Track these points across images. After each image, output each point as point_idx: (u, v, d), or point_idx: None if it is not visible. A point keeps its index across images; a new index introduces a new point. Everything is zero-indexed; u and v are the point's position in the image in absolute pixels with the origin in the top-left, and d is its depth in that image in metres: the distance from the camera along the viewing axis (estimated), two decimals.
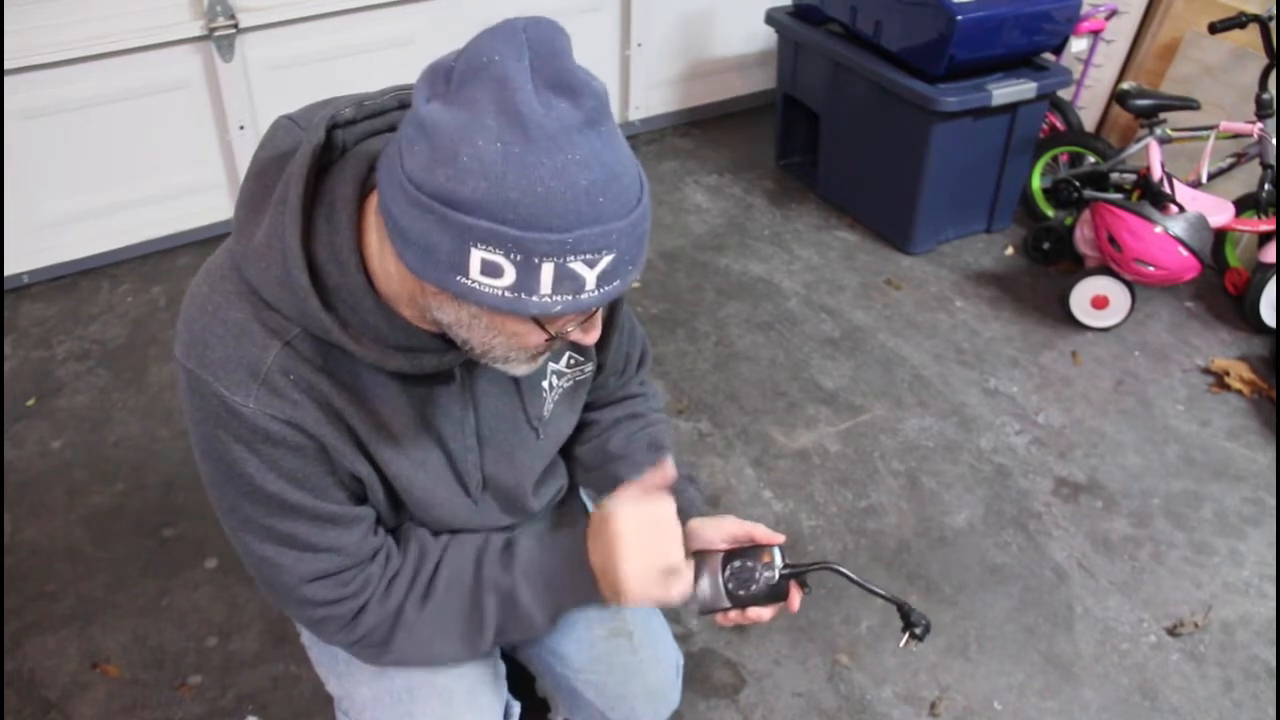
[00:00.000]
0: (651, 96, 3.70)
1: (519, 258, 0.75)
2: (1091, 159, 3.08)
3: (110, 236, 2.92)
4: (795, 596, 1.08)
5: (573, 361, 1.13)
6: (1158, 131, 2.76)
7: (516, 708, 1.28)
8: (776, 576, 1.06)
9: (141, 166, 2.87)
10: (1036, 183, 3.26)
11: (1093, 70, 3.36)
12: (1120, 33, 3.36)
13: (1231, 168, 2.83)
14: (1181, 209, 2.62)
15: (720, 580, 1.07)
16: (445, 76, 0.76)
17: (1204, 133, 2.77)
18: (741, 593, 1.06)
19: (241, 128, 2.90)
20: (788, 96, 3.38)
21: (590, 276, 0.77)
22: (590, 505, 1.39)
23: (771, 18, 3.28)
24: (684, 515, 1.12)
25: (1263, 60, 2.75)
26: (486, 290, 0.77)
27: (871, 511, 2.21)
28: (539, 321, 0.83)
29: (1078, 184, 2.89)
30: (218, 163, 2.98)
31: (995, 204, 3.15)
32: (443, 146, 0.73)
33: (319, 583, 1.00)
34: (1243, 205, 2.78)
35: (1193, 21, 3.16)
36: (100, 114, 2.73)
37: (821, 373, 2.61)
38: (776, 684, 1.85)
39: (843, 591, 2.00)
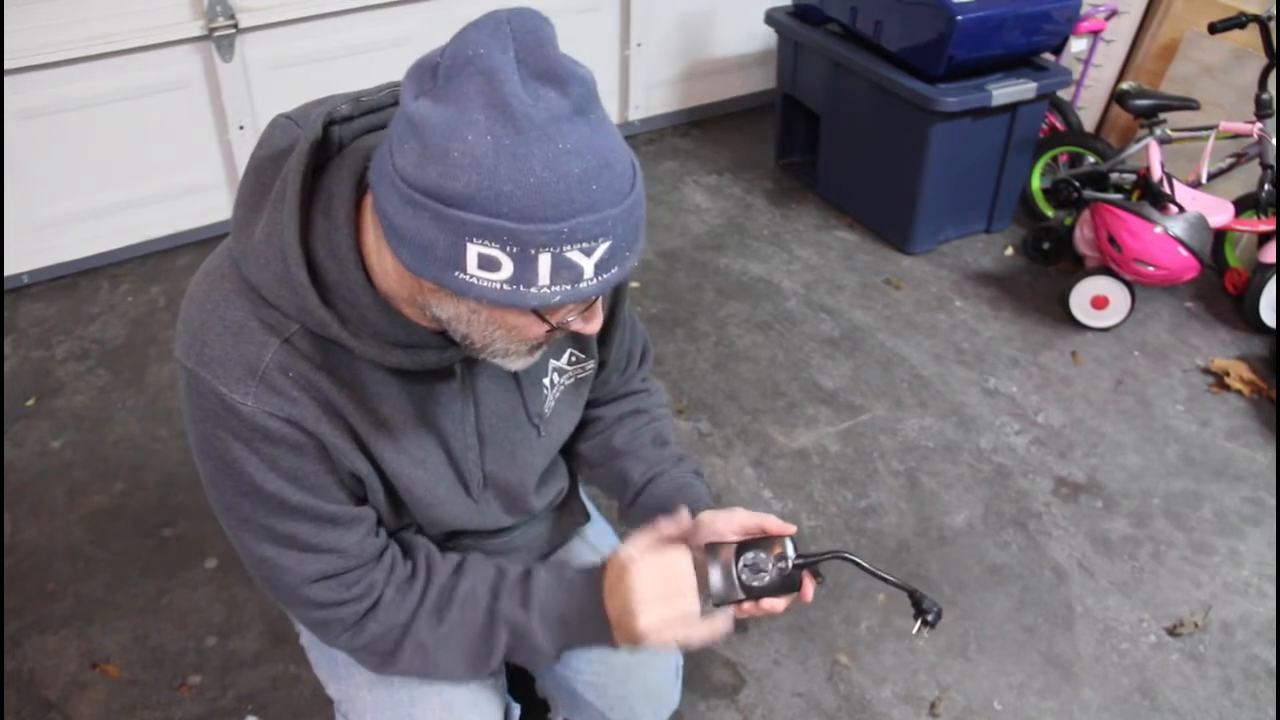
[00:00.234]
0: (651, 96, 3.70)
1: (515, 250, 0.74)
2: (1091, 159, 3.08)
3: (110, 236, 2.93)
4: (809, 586, 1.08)
5: (574, 359, 1.13)
6: (1157, 131, 2.76)
7: (517, 709, 1.27)
8: (790, 567, 1.06)
9: (141, 166, 2.87)
10: (1036, 183, 3.26)
11: (1092, 70, 3.36)
12: (1120, 33, 3.36)
13: (1231, 168, 2.83)
14: (1181, 209, 2.62)
15: (734, 572, 1.07)
16: (432, 72, 0.76)
17: (1204, 133, 2.77)
18: (755, 584, 1.06)
19: (241, 128, 2.90)
20: (787, 96, 3.38)
21: (588, 265, 0.77)
22: (591, 506, 1.39)
23: (771, 18, 3.28)
24: (694, 508, 1.12)
25: (1262, 60, 2.75)
26: (485, 284, 0.77)
27: (871, 511, 2.21)
28: (539, 313, 0.82)
29: (1077, 184, 2.89)
30: (217, 163, 2.98)
31: (995, 204, 3.15)
32: (433, 143, 0.73)
33: (321, 584, 1.00)
34: (1242, 205, 2.78)
35: (1192, 21, 3.16)
36: (100, 114, 2.73)
37: (821, 372, 2.61)
38: (776, 684, 1.85)
39: (843, 591, 2.01)
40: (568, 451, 1.29)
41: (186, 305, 0.92)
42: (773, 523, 1.09)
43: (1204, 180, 2.80)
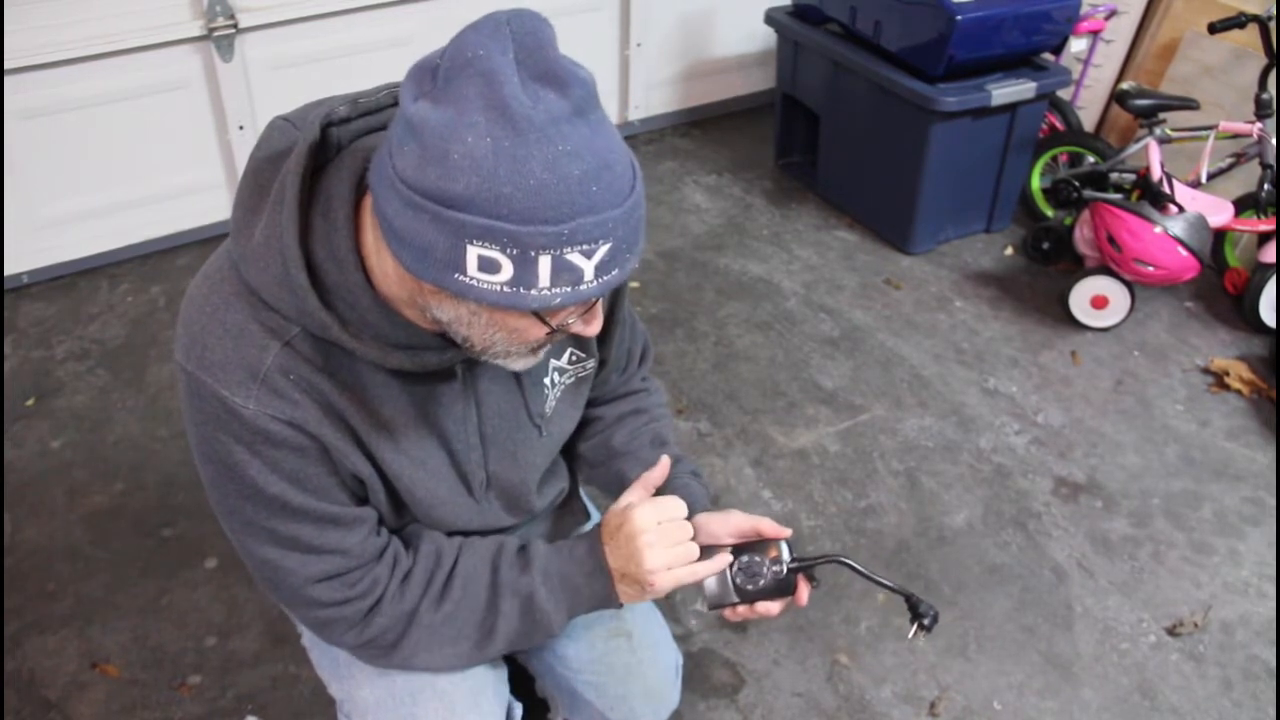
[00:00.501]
0: (651, 96, 3.70)
1: (515, 252, 0.74)
2: (1091, 159, 3.08)
3: (110, 236, 2.93)
4: (803, 590, 1.08)
5: (574, 358, 1.13)
6: (1157, 131, 2.76)
7: (518, 709, 1.28)
8: (784, 571, 1.06)
9: (141, 166, 2.87)
10: (1036, 183, 3.26)
11: (1092, 70, 3.36)
12: (1120, 33, 3.36)
13: (1231, 168, 2.83)
14: (1181, 209, 2.62)
15: (728, 575, 1.07)
16: (431, 74, 0.76)
17: (1203, 133, 2.77)
18: (750, 588, 1.06)
19: (241, 128, 2.90)
20: (787, 96, 3.38)
21: (588, 267, 0.77)
22: (591, 506, 1.39)
23: (771, 18, 3.28)
24: (690, 510, 1.13)
25: (1262, 60, 2.75)
26: (485, 287, 0.77)
27: (871, 511, 2.21)
28: (539, 315, 0.82)
29: (1077, 184, 2.89)
30: (217, 163, 2.98)
31: (995, 204, 3.15)
32: (432, 145, 0.73)
33: (325, 584, 1.00)
34: (1242, 205, 2.78)
35: (1192, 21, 3.16)
36: (100, 114, 2.73)
37: (821, 372, 2.61)
38: (776, 684, 1.85)
39: (843, 591, 2.01)
40: (568, 451, 1.29)
41: (186, 308, 0.92)
42: (768, 526, 1.09)
43: (1204, 180, 2.80)
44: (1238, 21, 2.70)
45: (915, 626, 1.05)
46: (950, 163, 2.93)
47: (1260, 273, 2.73)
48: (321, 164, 0.89)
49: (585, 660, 1.26)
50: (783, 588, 1.07)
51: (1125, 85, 2.82)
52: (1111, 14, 3.25)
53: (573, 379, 1.14)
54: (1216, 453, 2.40)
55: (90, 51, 2.61)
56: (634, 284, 2.91)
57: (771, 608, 1.08)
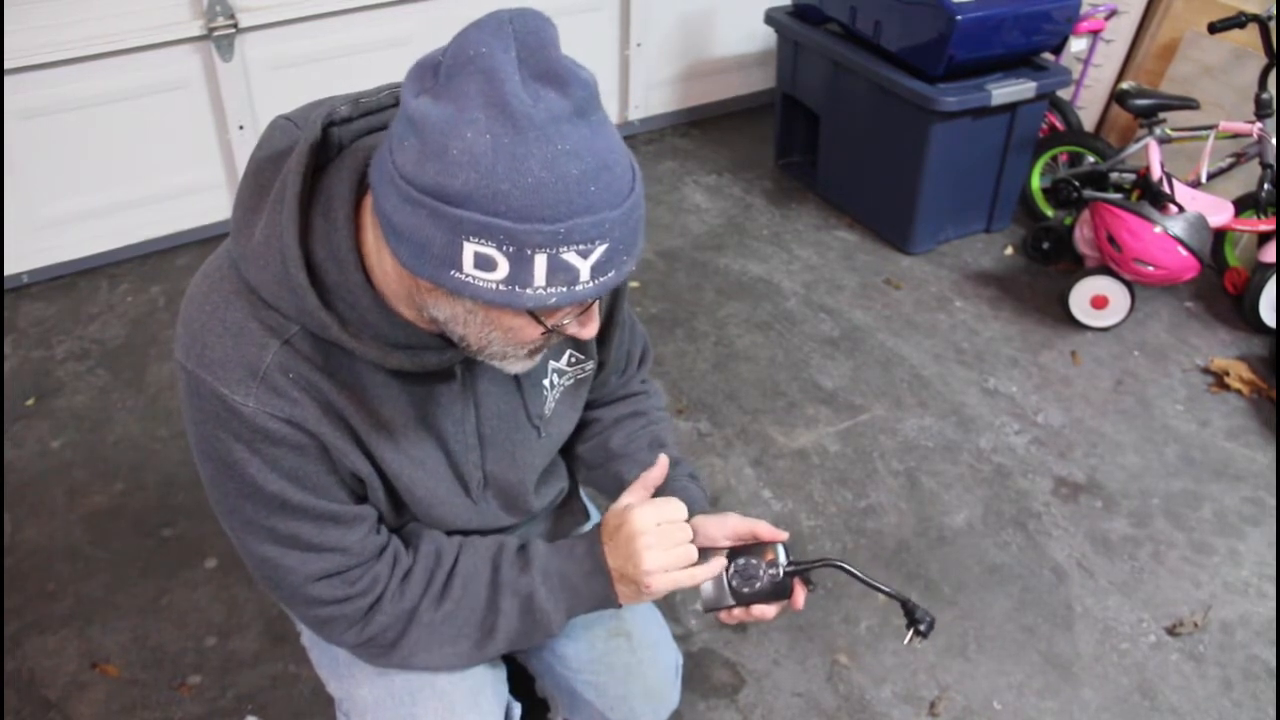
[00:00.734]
0: (651, 96, 3.70)
1: (511, 250, 0.74)
2: (1091, 159, 3.08)
3: (110, 236, 2.93)
4: (800, 594, 1.08)
5: (574, 360, 1.13)
6: (1157, 131, 2.76)
7: (518, 708, 1.27)
8: (781, 574, 1.06)
9: (141, 166, 2.87)
10: (1036, 182, 3.26)
11: (1092, 70, 3.36)
12: (1120, 33, 3.36)
13: (1231, 168, 2.83)
14: (1181, 209, 2.62)
15: (724, 578, 1.07)
16: (433, 71, 0.76)
17: (1203, 133, 2.77)
18: (746, 590, 1.06)
19: (241, 128, 2.90)
20: (787, 96, 3.38)
21: (584, 267, 0.77)
22: (591, 506, 1.39)
23: (771, 18, 3.28)
24: (688, 513, 1.13)
25: (1262, 60, 2.75)
26: (480, 284, 0.76)
27: (871, 511, 2.21)
28: (534, 315, 0.82)
29: (1077, 184, 2.89)
30: (217, 162, 2.98)
31: (995, 204, 3.15)
32: (432, 141, 0.73)
33: (324, 582, 1.00)
34: (1242, 205, 2.78)
35: (1192, 21, 3.17)
36: (100, 114, 2.73)
37: (821, 372, 2.61)
38: (776, 684, 1.85)
39: (842, 591, 2.00)
40: (567, 452, 1.29)
41: (186, 307, 0.92)
42: (765, 529, 1.09)
43: (1204, 180, 2.80)
44: (1238, 21, 2.70)
45: (911, 633, 1.05)
46: (950, 163, 2.93)
47: (1260, 273, 2.73)
48: (322, 164, 0.89)
49: (585, 660, 1.26)
50: (779, 591, 1.07)
51: (1125, 85, 2.82)
52: (1111, 14, 3.25)
53: (572, 381, 1.14)
54: (1216, 453, 2.40)
55: (90, 51, 2.61)
56: (634, 284, 2.91)
57: (767, 611, 1.08)
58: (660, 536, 1.02)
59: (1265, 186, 2.72)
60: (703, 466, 2.30)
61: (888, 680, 1.86)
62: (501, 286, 0.76)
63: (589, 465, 1.28)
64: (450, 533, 1.14)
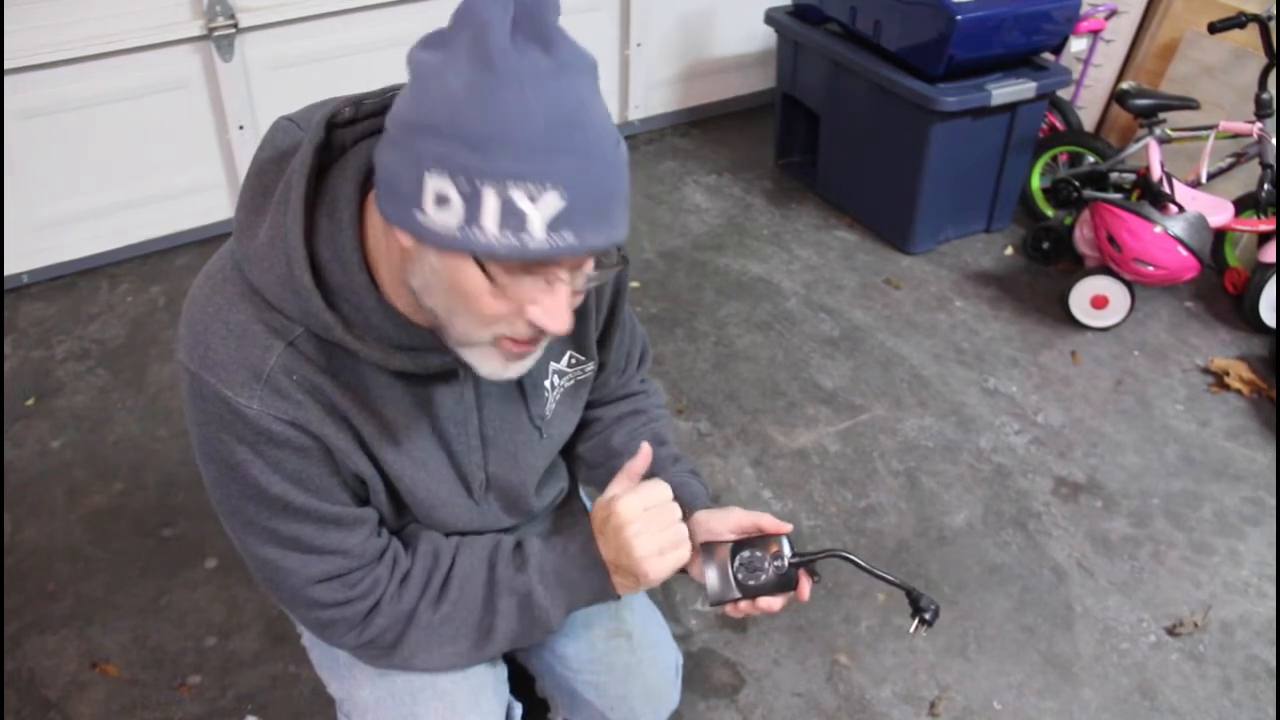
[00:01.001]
0: (651, 96, 3.70)
1: (464, 182, 0.74)
2: (1091, 159, 3.08)
3: (110, 236, 2.92)
4: (805, 585, 1.08)
5: (574, 361, 1.13)
6: (1157, 131, 2.76)
7: (518, 709, 1.28)
8: (786, 565, 1.06)
9: (141, 166, 2.87)
10: (1036, 182, 3.26)
11: (1092, 70, 3.36)
12: (1120, 32, 3.36)
13: (1231, 168, 2.83)
14: (1181, 209, 2.63)
15: (729, 571, 1.07)
16: (438, 32, 0.79)
17: (1203, 133, 2.77)
18: (751, 583, 1.06)
19: (241, 128, 2.90)
20: (787, 96, 3.38)
21: (535, 217, 0.75)
22: (590, 506, 1.39)
23: (771, 17, 3.28)
24: (689, 508, 1.12)
25: (1262, 60, 2.76)
26: (438, 227, 0.76)
27: (871, 511, 2.21)
28: (486, 272, 0.79)
29: (1077, 184, 2.89)
30: (217, 163, 2.98)
31: (995, 204, 3.15)
32: (417, 83, 0.77)
33: (325, 584, 1.00)
34: (1242, 205, 2.78)
35: (1192, 21, 3.17)
36: (100, 114, 2.73)
37: (821, 372, 2.61)
38: (776, 684, 1.85)
39: (843, 590, 2.01)
40: (567, 452, 1.29)
41: (189, 308, 0.92)
42: (768, 521, 1.09)
43: (1204, 180, 2.80)
44: (1238, 21, 2.70)
45: (916, 621, 1.05)
46: (950, 163, 2.93)
47: (1260, 272, 2.73)
48: (325, 165, 0.89)
49: (585, 660, 1.26)
50: (784, 583, 1.07)
51: (1125, 85, 2.82)
52: (1111, 14, 3.25)
53: (572, 382, 1.14)
54: (1216, 453, 2.40)
55: (90, 51, 2.61)
56: (634, 284, 2.91)
57: (773, 603, 1.08)
58: (648, 522, 1.02)
59: (1265, 186, 2.72)
60: (703, 466, 2.31)
61: (888, 680, 1.86)
62: (456, 232, 0.76)
63: (589, 465, 1.28)
64: (450, 534, 1.14)
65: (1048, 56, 2.99)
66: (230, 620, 1.92)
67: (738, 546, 1.08)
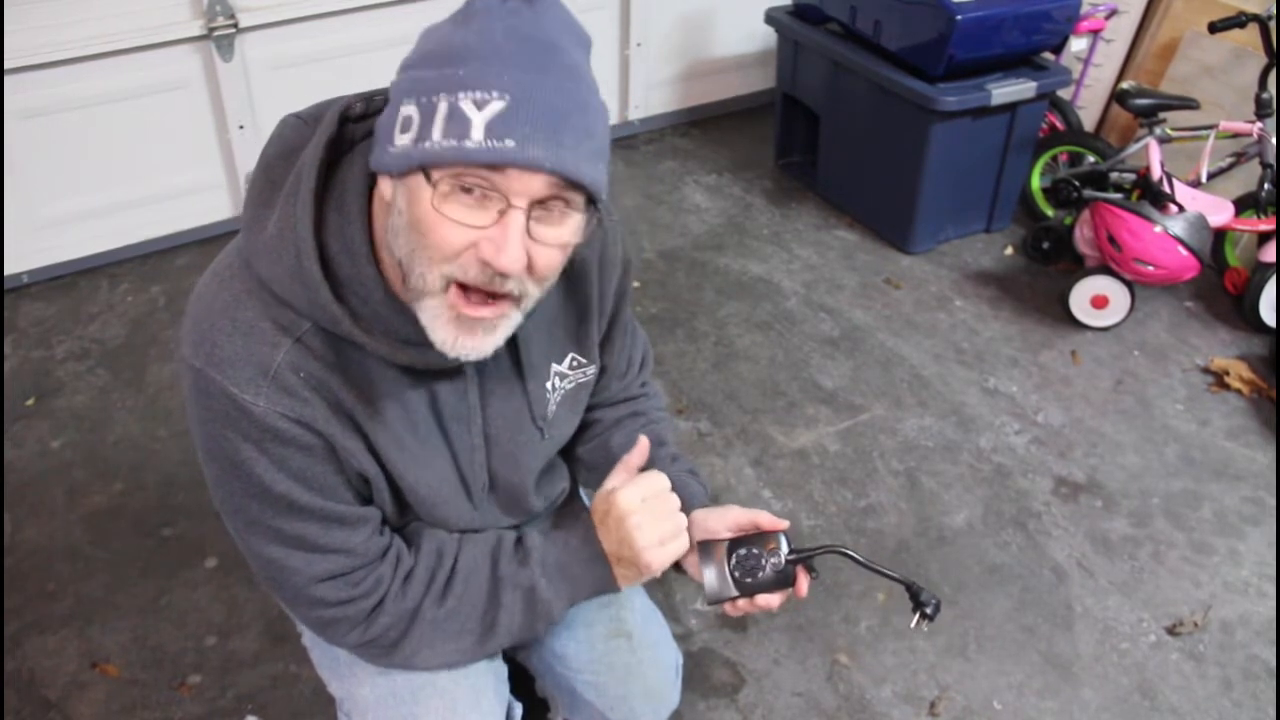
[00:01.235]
0: (651, 96, 3.70)
1: (423, 100, 0.78)
2: (1091, 159, 3.08)
3: (110, 236, 2.92)
4: (803, 582, 1.08)
5: (575, 363, 1.13)
6: (1157, 131, 2.76)
7: (519, 708, 1.28)
8: (783, 562, 1.06)
9: (141, 166, 2.87)
10: (1036, 182, 3.26)
11: (1092, 70, 3.36)
12: (1120, 32, 3.36)
13: (1231, 167, 2.83)
14: (1181, 208, 2.63)
15: (727, 569, 1.07)
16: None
17: (1204, 132, 2.77)
18: (749, 580, 1.06)
19: (241, 127, 2.90)
20: (787, 96, 3.38)
21: (478, 121, 0.74)
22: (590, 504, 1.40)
23: (771, 17, 3.28)
24: (688, 507, 1.13)
25: (1262, 60, 2.75)
26: (397, 150, 0.79)
27: (871, 511, 2.21)
28: (430, 181, 0.78)
29: (1077, 183, 2.89)
30: (217, 163, 2.98)
31: (995, 204, 3.15)
32: (419, 41, 0.84)
33: (329, 583, 1.00)
34: (1242, 205, 2.78)
35: (1192, 21, 3.17)
36: (100, 114, 2.73)
37: (821, 372, 2.61)
38: (776, 683, 1.85)
39: (843, 590, 2.01)
40: (567, 454, 1.29)
41: (195, 305, 0.92)
42: (766, 519, 1.09)
43: (1204, 180, 2.80)
44: (1238, 21, 2.70)
45: (917, 616, 1.05)
46: (950, 162, 2.93)
47: (1260, 272, 2.73)
48: (335, 158, 0.89)
49: (585, 660, 1.26)
50: (782, 580, 1.07)
51: (1125, 85, 2.82)
52: (1111, 13, 3.25)
53: (573, 384, 1.15)
54: (1216, 452, 2.40)
55: (90, 51, 2.61)
56: (634, 284, 2.91)
57: (772, 600, 1.08)
58: (648, 512, 1.02)
59: (1265, 186, 2.72)
60: (703, 466, 2.30)
61: (888, 680, 1.86)
62: (411, 149, 0.78)
63: (589, 466, 1.28)
64: (451, 532, 1.14)
65: (1048, 56, 2.99)
66: (230, 620, 1.92)
67: (735, 544, 1.08)
